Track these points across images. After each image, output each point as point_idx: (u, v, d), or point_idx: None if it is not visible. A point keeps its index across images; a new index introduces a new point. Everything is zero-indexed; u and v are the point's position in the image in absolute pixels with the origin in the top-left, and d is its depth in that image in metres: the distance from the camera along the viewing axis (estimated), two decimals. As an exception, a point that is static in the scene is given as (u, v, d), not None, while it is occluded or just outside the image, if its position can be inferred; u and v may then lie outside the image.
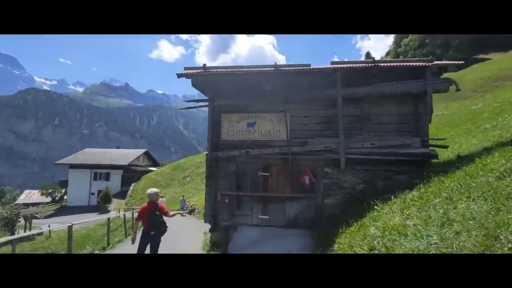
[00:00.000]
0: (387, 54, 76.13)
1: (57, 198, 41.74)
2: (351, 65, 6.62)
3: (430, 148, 6.68)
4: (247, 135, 7.54)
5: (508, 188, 2.79)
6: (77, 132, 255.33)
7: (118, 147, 50.21)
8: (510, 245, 1.97)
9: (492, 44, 48.83)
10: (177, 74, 7.21)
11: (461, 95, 28.98)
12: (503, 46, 46.95)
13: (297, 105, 7.28)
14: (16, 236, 10.71)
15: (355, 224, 4.54)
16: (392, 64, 6.63)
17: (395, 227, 3.20)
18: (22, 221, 21.28)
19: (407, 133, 6.80)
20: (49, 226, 18.51)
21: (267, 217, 7.29)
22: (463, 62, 6.29)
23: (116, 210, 26.89)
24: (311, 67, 6.80)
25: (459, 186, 3.54)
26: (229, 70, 7.16)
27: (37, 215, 29.81)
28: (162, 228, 5.13)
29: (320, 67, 6.77)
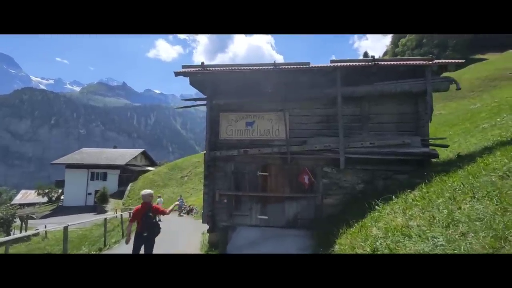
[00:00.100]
0: (385, 54, 76.33)
1: (53, 198, 41.41)
2: (351, 63, 6.56)
3: (430, 147, 6.63)
4: (245, 134, 7.45)
5: (514, 188, 2.72)
6: (74, 132, 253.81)
7: (115, 147, 49.95)
8: (520, 247, 1.90)
9: (488, 44, 49.13)
10: (174, 72, 7.11)
11: (458, 95, 29.08)
12: (500, 46, 47.24)
13: (296, 104, 7.20)
14: (11, 237, 10.56)
15: (356, 224, 4.48)
16: (392, 62, 6.57)
17: (398, 228, 3.13)
18: (18, 221, 21.05)
19: (407, 132, 6.74)
20: (45, 227, 18.26)
21: (266, 217, 7.21)
22: (463, 61, 6.25)
23: (113, 210, 26.73)
24: (311, 65, 6.72)
25: (462, 186, 3.48)
26: (227, 68, 7.07)
27: (33, 216, 29.51)
28: (155, 230, 5.15)
29: (319, 65, 6.69)
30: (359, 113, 6.99)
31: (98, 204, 31.07)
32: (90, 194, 35.75)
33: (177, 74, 7.16)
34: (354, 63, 6.59)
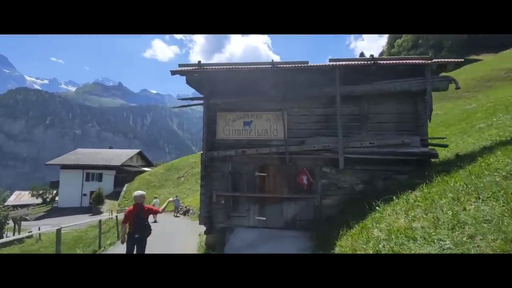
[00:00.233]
0: (381, 54, 76.70)
1: (48, 199, 40.89)
2: (350, 62, 6.49)
3: (429, 147, 6.58)
4: (243, 134, 7.34)
5: (520, 188, 2.65)
6: (69, 132, 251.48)
7: (111, 147, 49.51)
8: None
9: (483, 45, 49.59)
10: (171, 71, 6.98)
11: (454, 95, 29.27)
12: (494, 47, 47.69)
13: (294, 103, 7.11)
14: (3, 240, 10.34)
15: (356, 226, 4.39)
16: (391, 61, 6.50)
17: (401, 229, 3.05)
18: (11, 223, 20.71)
19: (406, 132, 6.69)
20: (39, 229, 18.00)
21: (264, 218, 7.11)
22: (462, 60, 6.21)
23: (109, 211, 26.41)
24: (309, 64, 6.64)
25: (465, 186, 3.41)
26: (225, 67, 6.96)
27: (27, 217, 29.11)
28: (147, 231, 5.18)
29: (318, 64, 6.61)
30: (358, 112, 6.92)
31: (94, 205, 30.71)
32: (85, 195, 35.33)
33: (173, 73, 7.03)
34: (353, 62, 6.52)
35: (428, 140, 6.64)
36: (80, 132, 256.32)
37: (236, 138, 7.36)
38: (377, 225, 3.74)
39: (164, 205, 5.72)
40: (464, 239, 2.28)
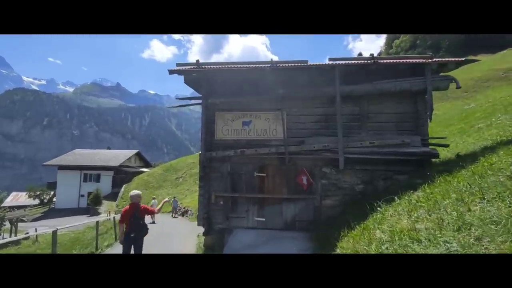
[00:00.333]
0: (379, 55, 76.87)
1: (45, 200, 40.62)
2: (350, 61, 6.42)
3: (430, 147, 6.53)
4: (242, 134, 7.26)
5: (526, 188, 2.59)
6: (67, 133, 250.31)
7: (109, 148, 49.26)
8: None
9: (480, 46, 49.71)
10: (168, 70, 6.89)
11: (452, 95, 29.34)
12: (492, 47, 47.85)
13: (294, 103, 7.04)
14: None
15: (357, 227, 4.32)
16: (391, 60, 6.45)
17: (404, 231, 2.98)
18: (7, 224, 20.51)
19: (406, 131, 6.64)
20: (35, 230, 17.85)
21: (263, 219, 7.03)
22: (463, 59, 6.15)
23: (107, 212, 26.25)
24: (308, 63, 6.57)
25: (468, 186, 3.35)
26: (223, 66, 6.88)
27: (24, 218, 28.90)
28: (143, 230, 5.20)
29: (318, 63, 6.55)
30: (358, 112, 6.86)
31: (91, 206, 30.52)
32: (83, 196, 35.12)
33: (171, 72, 6.95)
34: (353, 61, 6.46)
35: (429, 140, 6.59)
36: (78, 132, 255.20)
37: (235, 138, 7.28)
38: (379, 226, 3.67)
39: (160, 205, 5.75)
40: (471, 241, 2.21)
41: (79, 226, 16.28)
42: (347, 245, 3.88)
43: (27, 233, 16.87)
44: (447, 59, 6.32)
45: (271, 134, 7.14)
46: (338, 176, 6.74)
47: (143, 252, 5.22)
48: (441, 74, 6.76)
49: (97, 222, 10.33)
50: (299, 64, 6.46)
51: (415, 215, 3.30)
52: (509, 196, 2.63)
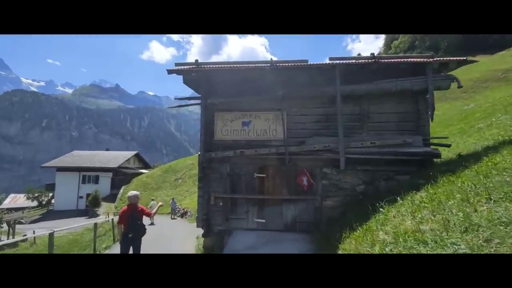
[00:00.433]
0: (378, 55, 76.75)
1: (43, 202, 40.36)
2: (351, 61, 6.36)
3: (431, 147, 6.46)
4: (242, 134, 7.19)
5: (533, 188, 2.52)
6: (66, 134, 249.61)
7: (107, 149, 49.06)
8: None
9: (479, 47, 49.84)
10: (167, 70, 6.83)
11: (451, 96, 29.37)
12: (490, 48, 47.97)
13: (294, 103, 6.98)
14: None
15: (359, 228, 4.24)
16: (392, 60, 6.39)
17: (408, 232, 2.90)
18: (5, 227, 20.34)
19: (407, 131, 6.58)
20: (33, 232, 17.69)
21: (263, 220, 6.95)
22: (465, 58, 6.10)
23: (106, 214, 26.10)
24: (309, 63, 6.51)
25: (473, 186, 3.28)
26: (223, 66, 6.81)
27: (22, 220, 28.70)
28: (141, 231, 5.21)
29: (318, 63, 6.48)
30: (359, 112, 6.80)
31: (90, 208, 30.33)
32: (81, 197, 34.92)
33: (170, 72, 6.88)
34: (353, 60, 6.40)
35: (430, 140, 6.52)
36: (77, 134, 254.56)
37: (234, 138, 7.21)
38: (382, 227, 3.60)
39: (155, 209, 5.76)
40: (480, 242, 2.14)
41: (78, 228, 16.14)
42: (349, 246, 3.80)
43: (25, 235, 16.72)
44: (448, 58, 6.27)
45: (271, 134, 7.07)
46: (339, 176, 6.66)
47: (141, 253, 5.20)
48: (441, 74, 6.71)
49: (95, 224, 10.21)
50: (299, 64, 6.40)
51: (419, 216, 3.22)
52: (517, 196, 2.56)
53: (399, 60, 6.32)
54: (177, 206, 21.76)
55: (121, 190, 33.95)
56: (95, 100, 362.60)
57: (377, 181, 6.45)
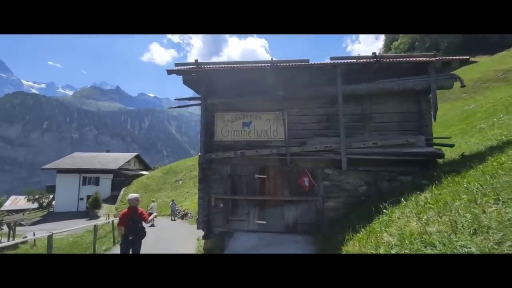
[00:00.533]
0: (378, 56, 76.62)
1: (44, 204, 40.31)
2: (352, 60, 6.30)
3: (434, 147, 6.39)
4: (242, 135, 7.12)
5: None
6: (67, 136, 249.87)
7: (108, 151, 49.01)
8: None
9: (479, 47, 49.77)
10: (167, 70, 6.77)
11: (451, 96, 29.31)
12: (490, 49, 47.91)
13: (295, 103, 6.91)
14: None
15: (362, 230, 4.16)
16: (394, 59, 6.33)
17: (414, 234, 2.82)
18: (5, 228, 20.27)
19: (410, 131, 6.50)
20: (34, 234, 17.61)
21: (265, 222, 6.87)
22: (468, 57, 6.02)
23: (106, 215, 26.02)
24: (310, 63, 6.45)
25: (480, 187, 3.20)
26: (223, 66, 6.75)
27: (22, 222, 28.63)
28: (141, 234, 5.26)
29: (319, 62, 6.42)
30: (361, 112, 6.73)
31: (90, 210, 30.27)
32: (82, 199, 34.86)
33: (169, 72, 6.82)
34: (355, 60, 6.33)
35: (433, 140, 6.45)
36: (77, 136, 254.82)
37: (235, 139, 7.14)
38: (386, 229, 3.52)
39: (151, 218, 5.82)
40: (491, 245, 2.06)
41: (78, 229, 16.06)
42: (353, 249, 3.73)
43: (25, 237, 16.65)
44: (451, 57, 6.20)
45: (271, 135, 7.01)
46: (340, 177, 6.59)
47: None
48: (444, 73, 6.64)
49: (95, 226, 10.14)
50: (300, 64, 6.34)
51: (425, 217, 3.14)
52: (526, 196, 2.48)
53: (401, 59, 6.25)
54: (177, 208, 21.69)
55: (122, 192, 33.88)
56: (95, 102, 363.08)
57: (379, 182, 6.37)
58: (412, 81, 6.19)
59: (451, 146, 7.03)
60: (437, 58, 6.01)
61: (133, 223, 5.11)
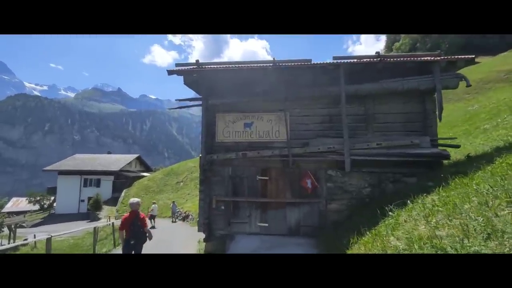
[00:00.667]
0: (380, 57, 76.45)
1: (45, 205, 40.30)
2: (355, 60, 6.20)
3: (439, 148, 6.27)
4: (244, 136, 7.02)
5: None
6: (68, 138, 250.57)
7: (109, 153, 49.01)
8: None
9: (480, 48, 49.59)
10: (168, 70, 6.69)
11: (454, 97, 29.17)
12: (491, 49, 47.72)
13: (297, 103, 6.82)
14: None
15: (368, 233, 4.05)
16: (398, 58, 6.23)
17: (423, 238, 2.71)
18: (6, 230, 20.20)
19: (414, 132, 6.39)
20: (34, 236, 17.54)
21: (266, 224, 6.76)
22: (473, 56, 5.92)
23: (107, 217, 25.94)
24: (312, 62, 6.35)
25: (490, 189, 3.08)
26: (224, 66, 6.66)
27: (23, 224, 28.59)
28: (142, 238, 5.30)
29: (322, 62, 6.32)
30: (364, 112, 6.62)
31: (91, 211, 30.21)
32: (83, 201, 34.81)
33: (170, 72, 6.74)
34: (358, 60, 6.23)
35: (438, 140, 6.33)
36: (79, 138, 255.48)
37: (236, 140, 7.05)
38: (393, 232, 3.41)
39: (149, 228, 5.77)
40: (507, 250, 1.95)
41: (78, 231, 15.98)
42: (358, 252, 3.61)
43: (26, 239, 16.58)
44: (456, 56, 6.09)
45: (273, 135, 6.91)
46: (344, 179, 6.47)
47: None
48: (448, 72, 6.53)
49: (94, 228, 10.05)
50: (303, 63, 6.24)
51: (434, 220, 3.03)
52: (541, 199, 2.37)
53: (405, 58, 6.15)
54: (178, 210, 21.61)
55: (123, 194, 33.82)
56: (97, 104, 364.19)
57: (383, 184, 6.26)
58: (417, 81, 6.09)
59: (457, 147, 6.91)
60: (442, 57, 5.91)
61: (134, 227, 5.17)
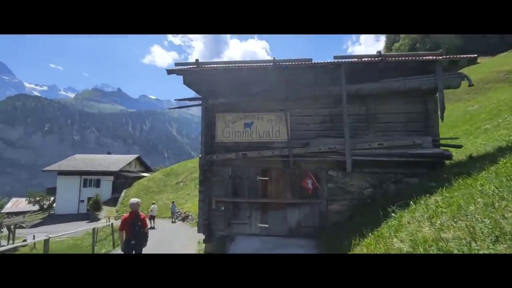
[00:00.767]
0: (379, 58, 76.35)
1: (45, 206, 40.21)
2: (356, 59, 6.14)
3: (441, 148, 6.21)
4: (244, 136, 6.96)
5: None
6: (68, 138, 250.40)
7: (109, 153, 48.91)
8: None
9: (480, 48, 49.53)
10: (167, 70, 6.63)
11: (453, 97, 29.14)
12: (491, 50, 47.70)
13: (297, 103, 6.76)
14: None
15: (370, 234, 3.98)
16: (400, 58, 6.17)
17: (428, 240, 2.65)
18: (5, 231, 20.13)
19: (416, 132, 6.33)
20: (33, 237, 17.47)
21: (267, 225, 6.70)
22: (476, 55, 5.86)
23: (106, 218, 25.86)
24: (313, 62, 6.29)
25: (496, 189, 3.02)
26: (224, 65, 6.60)
27: (23, 225, 28.51)
28: (143, 238, 5.31)
29: (322, 62, 6.26)
30: (365, 112, 6.56)
31: (91, 212, 30.13)
32: (82, 201, 34.72)
33: (170, 72, 6.68)
34: (359, 59, 6.17)
35: (440, 140, 6.27)
36: (79, 138, 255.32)
37: (236, 140, 6.98)
38: (396, 234, 3.34)
39: (148, 228, 5.74)
40: (517, 254, 1.90)
41: (78, 232, 15.91)
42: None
43: (25, 240, 16.52)
44: (459, 55, 6.03)
45: (274, 135, 6.85)
46: (345, 179, 6.41)
47: None
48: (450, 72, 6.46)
49: (93, 229, 9.98)
50: (303, 63, 6.18)
51: (438, 222, 2.97)
52: (550, 200, 2.30)
53: (407, 58, 6.09)
54: (177, 210, 21.55)
55: (122, 194, 33.74)
56: (97, 104, 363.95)
57: (385, 184, 6.20)
58: (418, 81, 6.03)
59: (459, 147, 6.85)
60: (444, 56, 5.85)
61: (134, 228, 5.16)
